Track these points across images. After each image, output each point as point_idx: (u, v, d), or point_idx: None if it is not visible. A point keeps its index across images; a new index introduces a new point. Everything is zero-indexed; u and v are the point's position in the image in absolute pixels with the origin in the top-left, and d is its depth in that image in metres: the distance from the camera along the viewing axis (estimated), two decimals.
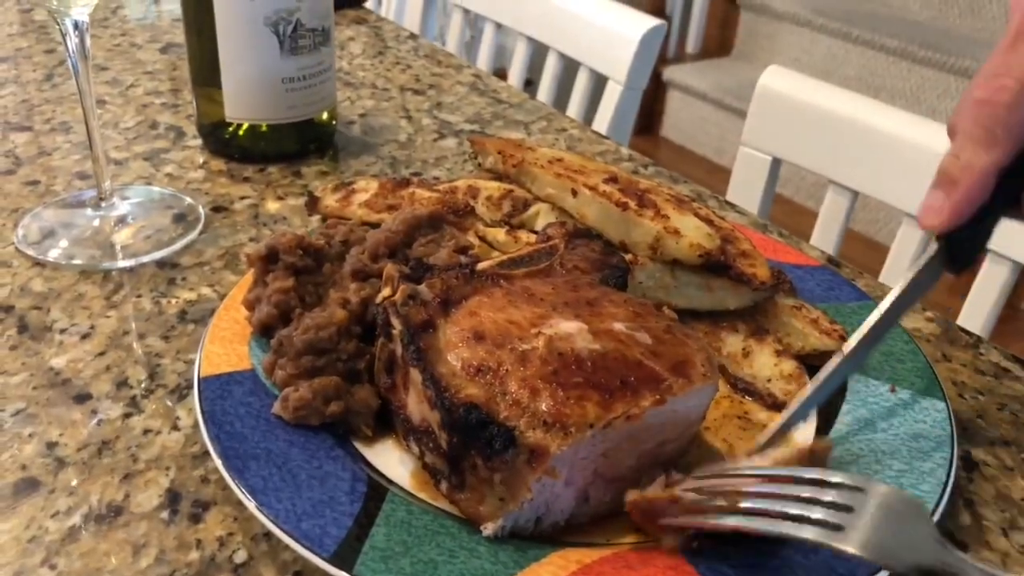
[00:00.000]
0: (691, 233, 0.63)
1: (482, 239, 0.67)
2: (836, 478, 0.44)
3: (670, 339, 0.52)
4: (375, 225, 0.69)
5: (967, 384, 0.67)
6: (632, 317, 0.53)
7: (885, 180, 1.05)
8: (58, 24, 0.72)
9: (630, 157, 1.03)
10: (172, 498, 0.53)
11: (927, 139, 1.00)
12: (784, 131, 1.13)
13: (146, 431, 0.58)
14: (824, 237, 1.12)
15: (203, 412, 0.54)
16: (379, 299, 0.56)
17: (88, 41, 0.73)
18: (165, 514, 0.52)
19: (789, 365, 0.61)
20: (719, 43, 3.84)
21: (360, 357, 0.57)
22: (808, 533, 0.42)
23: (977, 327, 0.99)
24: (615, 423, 0.47)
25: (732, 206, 0.94)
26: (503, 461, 0.46)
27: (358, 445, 0.55)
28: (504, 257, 0.60)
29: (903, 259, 1.05)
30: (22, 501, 0.52)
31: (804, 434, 0.57)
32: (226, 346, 0.59)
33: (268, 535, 0.51)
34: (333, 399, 0.54)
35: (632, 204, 0.64)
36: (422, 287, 0.54)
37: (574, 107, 1.39)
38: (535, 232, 0.68)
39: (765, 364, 0.62)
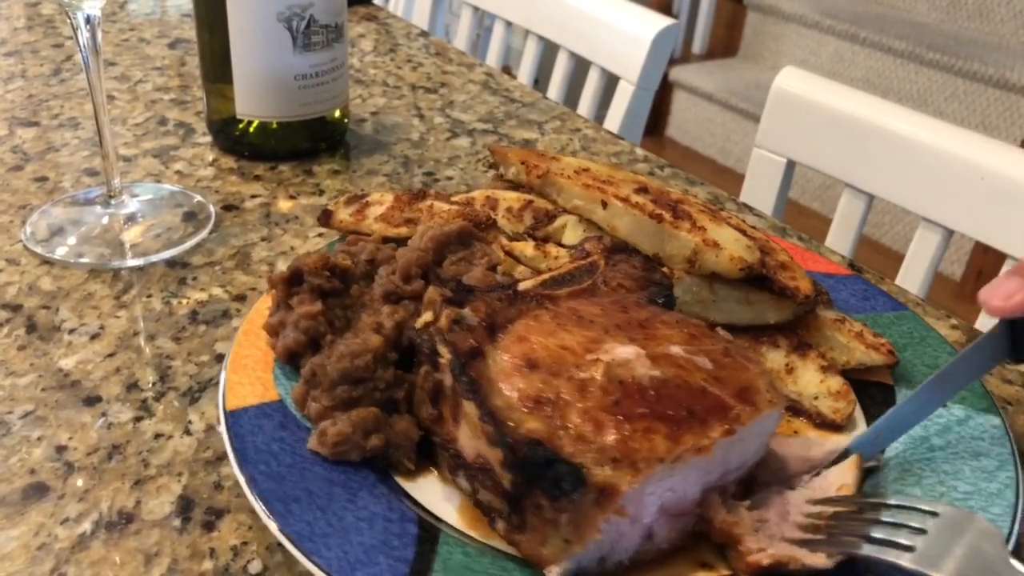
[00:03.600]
0: (731, 246, 0.60)
1: (508, 254, 0.64)
2: (910, 503, 0.46)
3: (730, 363, 0.50)
4: (399, 241, 0.65)
5: (994, 394, 0.65)
6: (688, 340, 0.51)
7: (902, 184, 1.04)
8: (69, 18, 0.71)
9: (645, 158, 1.02)
10: (184, 505, 0.52)
11: (945, 142, 0.98)
12: (799, 133, 1.12)
13: (157, 435, 0.57)
14: (839, 241, 1.11)
15: (235, 451, 0.50)
16: (419, 324, 0.53)
17: (100, 36, 0.72)
18: (177, 522, 0.51)
19: (836, 382, 0.59)
20: (725, 44, 3.82)
21: (398, 385, 0.54)
22: (886, 555, 0.44)
23: None
24: (685, 456, 0.45)
25: (750, 209, 0.92)
26: (570, 501, 0.43)
27: (399, 480, 0.52)
28: (545, 276, 0.57)
29: (919, 264, 1.03)
30: (31, 507, 0.51)
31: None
32: (249, 375, 0.56)
33: (283, 545, 0.50)
34: (373, 432, 0.51)
35: (667, 216, 0.62)
36: (466, 311, 0.51)
37: (584, 107, 1.38)
38: (562, 245, 0.65)
39: (811, 381, 0.59)
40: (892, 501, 0.48)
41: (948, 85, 2.99)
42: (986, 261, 2.66)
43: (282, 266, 0.75)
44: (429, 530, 0.48)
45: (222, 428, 0.51)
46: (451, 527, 0.49)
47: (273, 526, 0.46)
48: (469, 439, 0.48)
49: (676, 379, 0.48)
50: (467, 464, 0.48)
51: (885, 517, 0.46)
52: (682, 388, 0.47)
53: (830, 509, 0.48)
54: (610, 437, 0.44)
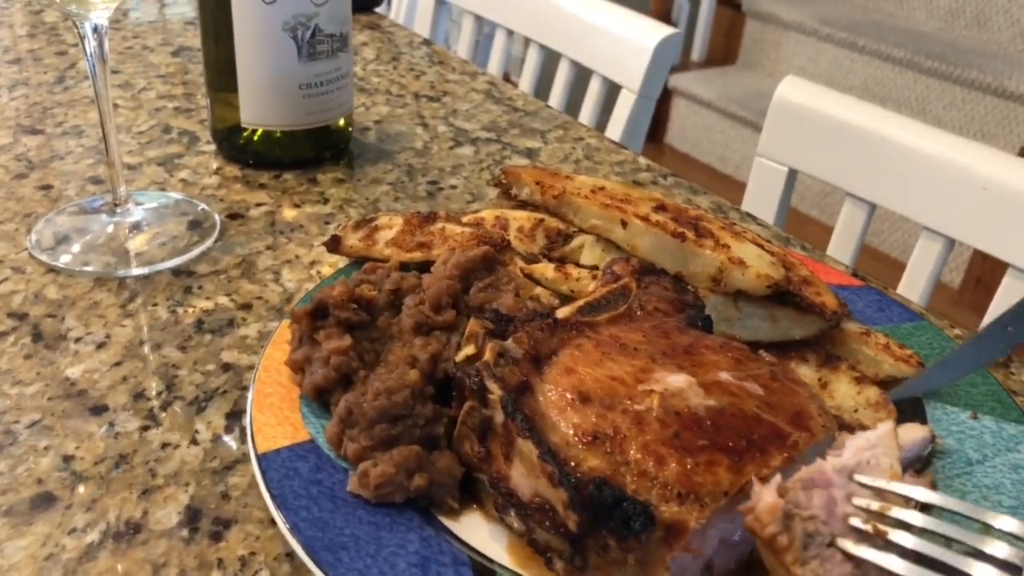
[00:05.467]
0: (756, 263, 0.60)
1: (528, 276, 0.63)
2: (999, 523, 0.42)
3: (779, 387, 0.50)
4: (421, 267, 0.65)
5: None
6: (735, 364, 0.51)
7: (904, 193, 1.04)
8: (76, 27, 0.71)
9: (648, 167, 1.02)
10: (192, 515, 0.52)
11: (947, 152, 0.99)
12: (801, 142, 1.12)
13: (164, 445, 0.57)
14: (840, 250, 1.11)
15: (273, 497, 0.48)
16: (460, 358, 0.52)
17: (107, 44, 0.72)
18: (185, 532, 0.51)
19: (873, 392, 0.59)
20: (724, 51, 3.83)
21: (437, 421, 0.52)
22: None
23: None
24: (747, 487, 0.44)
25: (753, 218, 0.93)
26: (638, 540, 0.42)
27: (443, 520, 0.50)
28: (581, 302, 0.56)
29: (921, 274, 1.04)
30: (38, 517, 0.51)
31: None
32: (276, 414, 0.54)
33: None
34: (416, 471, 0.50)
35: (689, 234, 0.61)
36: (510, 344, 0.50)
37: (585, 115, 1.38)
38: (581, 266, 0.64)
39: (847, 394, 0.59)
40: (954, 506, 0.43)
41: (946, 93, 3.00)
42: (984, 269, 2.66)
43: (288, 275, 0.75)
44: (483, 572, 0.47)
45: (256, 472, 0.50)
46: (504, 568, 0.48)
47: None
48: (525, 478, 0.47)
49: (731, 407, 0.47)
50: (522, 504, 0.47)
51: (958, 535, 0.41)
52: (737, 417, 0.47)
53: (886, 507, 0.43)
54: (673, 471, 0.43)
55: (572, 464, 0.44)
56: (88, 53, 0.72)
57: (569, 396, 0.48)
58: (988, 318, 1.01)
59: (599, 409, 0.47)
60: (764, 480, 0.44)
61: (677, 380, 0.48)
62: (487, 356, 0.49)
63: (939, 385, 0.58)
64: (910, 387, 0.59)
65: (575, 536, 0.44)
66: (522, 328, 0.52)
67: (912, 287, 1.05)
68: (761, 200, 1.17)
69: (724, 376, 0.49)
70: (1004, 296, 0.99)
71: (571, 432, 0.46)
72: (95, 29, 0.71)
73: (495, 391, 0.48)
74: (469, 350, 0.52)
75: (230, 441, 0.58)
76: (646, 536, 0.42)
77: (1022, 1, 2.99)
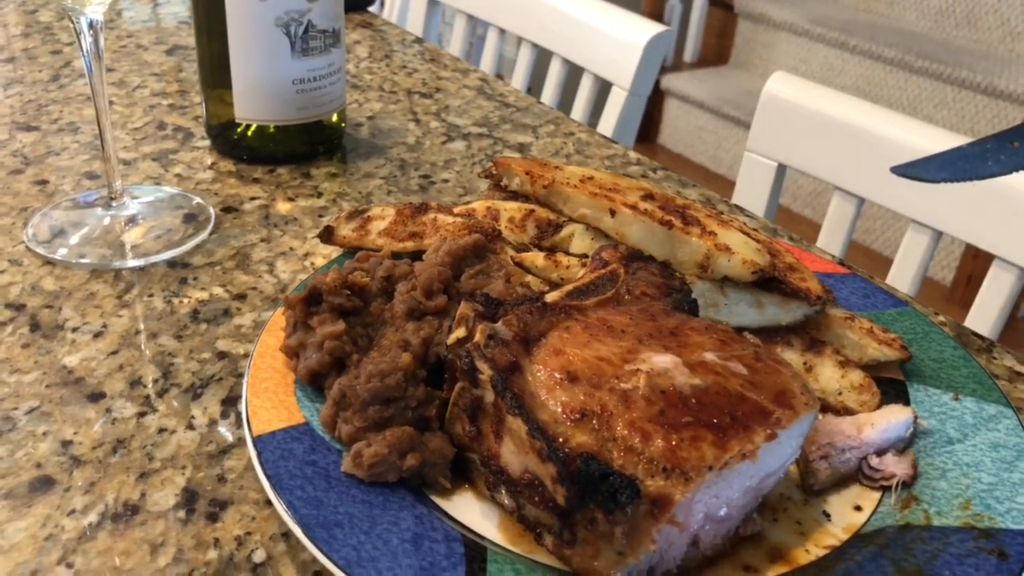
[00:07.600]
0: (742, 249, 0.61)
1: (519, 264, 0.65)
2: None
3: (763, 367, 0.51)
4: (413, 256, 0.66)
5: None
6: (719, 346, 0.52)
7: (891, 187, 1.05)
8: (72, 23, 0.72)
9: (638, 161, 1.03)
10: (189, 497, 0.53)
11: (932, 145, 1.00)
12: (789, 137, 1.14)
13: (161, 430, 0.58)
14: (829, 244, 1.12)
15: (268, 477, 0.49)
16: (451, 340, 0.53)
17: (102, 40, 0.73)
18: (182, 513, 0.52)
19: (857, 375, 0.60)
20: (716, 52, 3.85)
21: (429, 403, 0.54)
22: None
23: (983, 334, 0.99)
24: (731, 463, 0.46)
25: (741, 210, 0.94)
26: (625, 513, 0.44)
27: (435, 499, 0.52)
28: (570, 287, 0.57)
29: (908, 266, 1.05)
30: (38, 499, 0.52)
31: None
32: (272, 398, 0.55)
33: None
34: (408, 451, 0.51)
35: (677, 222, 0.62)
36: (499, 326, 0.51)
37: (577, 113, 1.39)
38: (571, 254, 0.66)
39: (831, 377, 0.60)
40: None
41: (937, 92, 3.02)
42: (976, 266, 2.68)
43: (282, 266, 0.76)
44: (475, 548, 0.48)
45: (251, 454, 0.51)
46: (496, 544, 0.49)
47: (319, 552, 0.45)
48: (515, 455, 0.48)
49: (715, 386, 0.48)
50: (512, 480, 0.48)
51: None
52: (722, 395, 0.48)
53: None
54: (659, 447, 0.45)
55: (560, 440, 0.46)
56: (84, 49, 0.73)
57: (557, 376, 0.49)
58: (974, 313, 1.02)
59: (586, 388, 0.48)
60: (748, 456, 0.45)
61: (663, 360, 0.49)
62: (477, 338, 0.51)
63: (932, 178, 0.54)
64: (906, 168, 0.55)
65: (564, 510, 0.45)
66: (512, 311, 0.53)
67: (900, 280, 1.06)
68: (751, 195, 1.18)
69: (709, 356, 0.50)
70: (991, 288, 1.01)
71: (559, 410, 0.47)
72: (91, 25, 0.72)
73: (485, 371, 0.49)
74: (460, 332, 0.53)
75: (225, 426, 0.59)
76: (632, 509, 0.43)
77: (1011, 0, 3.01)
